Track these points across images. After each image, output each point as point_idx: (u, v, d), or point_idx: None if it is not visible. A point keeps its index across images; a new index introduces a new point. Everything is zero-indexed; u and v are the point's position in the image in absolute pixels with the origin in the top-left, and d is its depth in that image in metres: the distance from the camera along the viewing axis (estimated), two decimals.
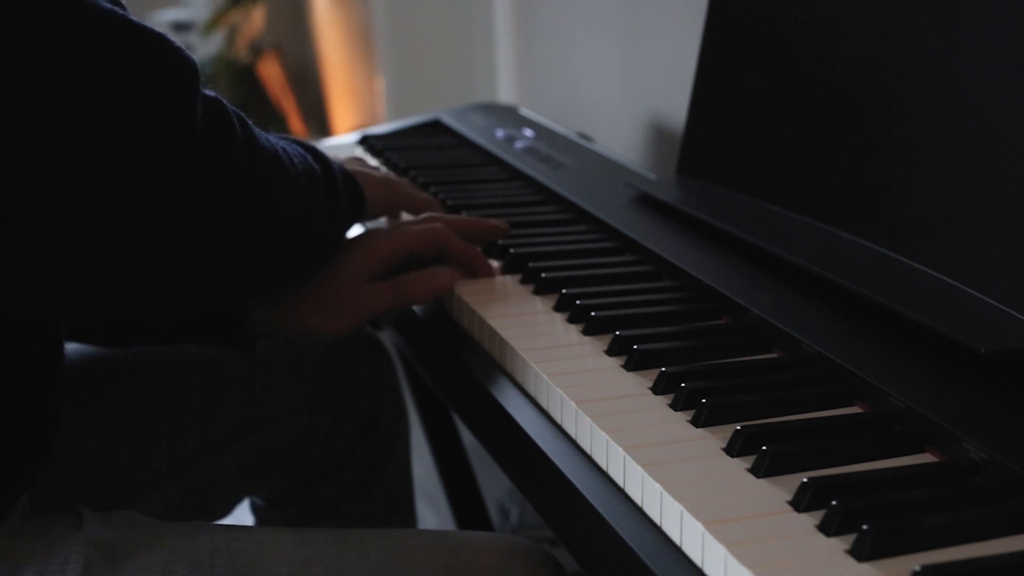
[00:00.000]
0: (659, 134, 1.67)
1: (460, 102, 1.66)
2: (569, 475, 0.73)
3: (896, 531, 0.59)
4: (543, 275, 0.96)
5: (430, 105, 2.49)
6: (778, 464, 0.66)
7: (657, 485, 0.66)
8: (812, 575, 0.58)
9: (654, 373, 0.79)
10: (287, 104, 3.44)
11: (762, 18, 1.08)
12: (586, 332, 0.87)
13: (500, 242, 1.03)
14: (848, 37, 0.98)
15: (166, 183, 0.73)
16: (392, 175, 1.08)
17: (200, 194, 0.75)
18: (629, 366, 0.81)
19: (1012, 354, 0.73)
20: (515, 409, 0.82)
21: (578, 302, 0.90)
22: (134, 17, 0.73)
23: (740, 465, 0.68)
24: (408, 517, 1.25)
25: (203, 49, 3.39)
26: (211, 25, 3.27)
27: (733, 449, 0.69)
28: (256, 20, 3.43)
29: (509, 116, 1.53)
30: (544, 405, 0.80)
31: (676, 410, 0.75)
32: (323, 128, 3.53)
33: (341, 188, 0.91)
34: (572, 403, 0.76)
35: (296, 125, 3.44)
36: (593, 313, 0.88)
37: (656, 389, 0.77)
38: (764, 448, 0.67)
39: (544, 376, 0.80)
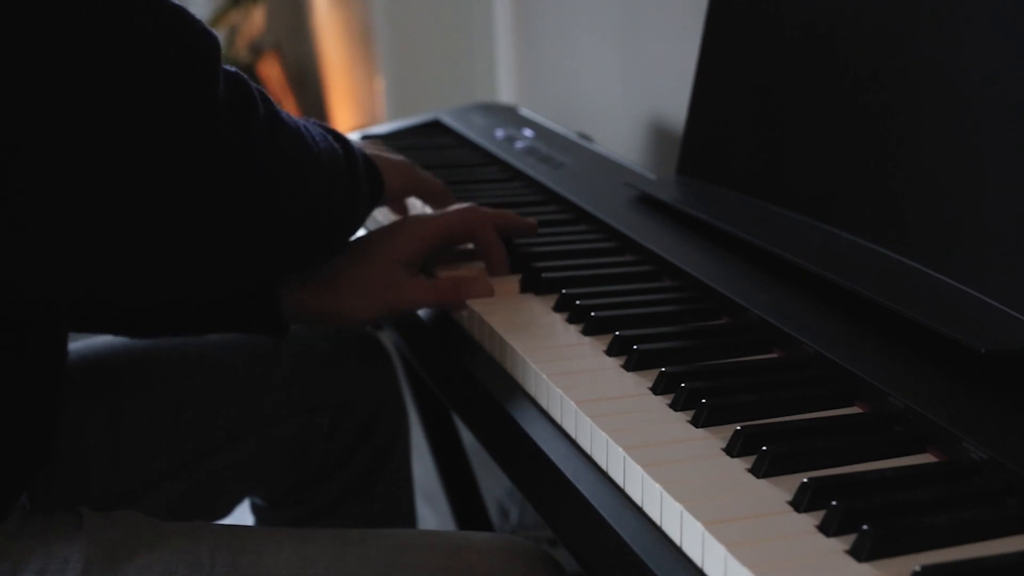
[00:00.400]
0: (659, 134, 1.67)
1: (460, 102, 1.66)
2: (569, 475, 0.73)
3: (896, 531, 0.59)
4: (543, 275, 0.96)
5: (430, 105, 2.49)
6: (778, 464, 0.66)
7: (657, 485, 0.66)
8: (812, 575, 0.58)
9: (654, 373, 0.79)
10: (287, 104, 3.44)
11: (762, 18, 1.08)
12: (586, 332, 0.87)
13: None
14: (848, 37, 0.98)
15: (189, 156, 0.72)
16: (407, 160, 1.08)
17: (223, 168, 0.74)
18: (629, 366, 0.81)
19: (1012, 354, 0.73)
20: (515, 409, 0.82)
21: (578, 302, 0.90)
22: None
23: (740, 465, 0.68)
24: (408, 517, 1.24)
25: None
26: (211, 25, 3.27)
27: (733, 449, 0.69)
28: (256, 20, 3.43)
29: (509, 116, 1.53)
30: (544, 405, 0.80)
31: (676, 410, 0.75)
32: None
33: (361, 171, 0.91)
34: (572, 403, 0.76)
35: None
36: (593, 313, 0.88)
37: (656, 389, 0.77)
38: (764, 448, 0.67)
39: (544, 376, 0.80)
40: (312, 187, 0.83)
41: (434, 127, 1.51)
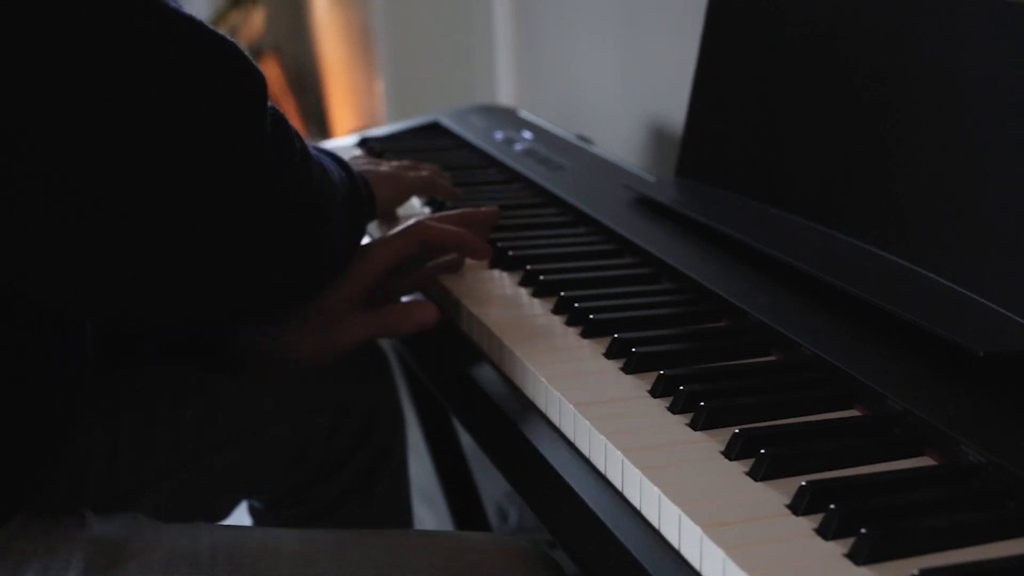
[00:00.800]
0: (658, 136, 1.67)
1: (460, 104, 1.66)
2: (567, 478, 0.73)
3: (895, 534, 0.59)
4: (542, 277, 0.96)
5: (429, 107, 2.49)
6: (776, 467, 0.66)
7: (655, 488, 0.65)
8: None
9: (653, 376, 0.78)
10: (287, 105, 3.44)
11: (761, 20, 1.08)
12: (585, 335, 0.87)
13: (498, 244, 1.03)
14: (848, 38, 0.98)
15: (235, 193, 0.74)
16: (393, 168, 1.08)
17: (265, 204, 0.76)
18: (628, 369, 0.81)
19: (1011, 357, 0.73)
20: (513, 412, 0.82)
21: (577, 305, 0.90)
22: (210, 25, 0.73)
23: (739, 468, 0.68)
24: (406, 517, 1.25)
25: None
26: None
27: (732, 452, 0.69)
28: (256, 21, 3.44)
29: (508, 118, 1.53)
30: (543, 408, 0.80)
31: (675, 413, 0.75)
32: (322, 129, 3.52)
33: (363, 192, 0.92)
34: (570, 406, 0.76)
35: (296, 126, 3.43)
36: (592, 316, 0.88)
37: (655, 392, 0.77)
38: (763, 451, 0.67)
39: (542, 379, 0.80)
40: (336, 218, 0.85)
41: (433, 129, 1.51)
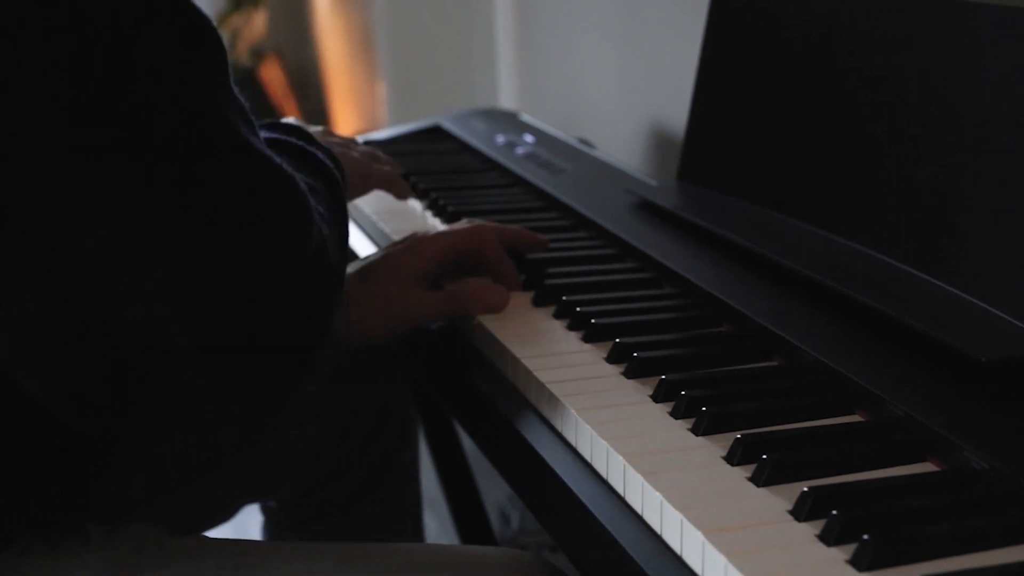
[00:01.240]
0: (660, 140, 1.67)
1: (460, 106, 1.67)
2: (569, 483, 0.73)
3: (897, 540, 0.59)
4: (544, 282, 0.96)
5: (431, 109, 2.49)
6: (778, 473, 0.66)
7: (657, 494, 0.65)
8: None
9: (654, 381, 0.78)
10: (288, 108, 3.44)
11: (763, 23, 1.08)
12: (586, 339, 0.87)
13: None
14: (850, 41, 0.98)
15: (277, 310, 0.72)
16: (362, 155, 1.07)
17: (305, 314, 0.75)
18: (629, 374, 0.81)
19: (1012, 363, 0.73)
20: (515, 417, 0.82)
21: (578, 309, 0.90)
22: (267, 151, 0.72)
23: (740, 474, 0.68)
24: (416, 521, 1.25)
25: None
26: None
27: (733, 457, 0.69)
28: (257, 24, 3.44)
29: (510, 122, 1.54)
30: (545, 413, 0.80)
31: (676, 418, 0.75)
32: None
33: (342, 184, 0.89)
34: (572, 411, 0.76)
35: None
36: (593, 320, 0.88)
37: (656, 397, 0.77)
38: (764, 457, 0.67)
39: (544, 384, 0.80)
40: (345, 243, 0.84)
41: (435, 133, 1.52)
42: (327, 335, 0.78)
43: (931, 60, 0.90)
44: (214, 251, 0.68)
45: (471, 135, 1.46)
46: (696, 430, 0.73)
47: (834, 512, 0.61)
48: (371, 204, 1.23)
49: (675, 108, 1.44)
